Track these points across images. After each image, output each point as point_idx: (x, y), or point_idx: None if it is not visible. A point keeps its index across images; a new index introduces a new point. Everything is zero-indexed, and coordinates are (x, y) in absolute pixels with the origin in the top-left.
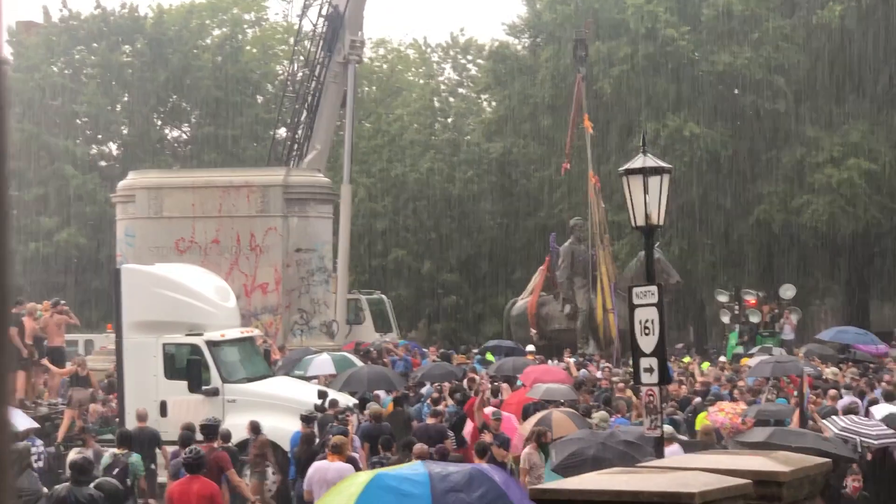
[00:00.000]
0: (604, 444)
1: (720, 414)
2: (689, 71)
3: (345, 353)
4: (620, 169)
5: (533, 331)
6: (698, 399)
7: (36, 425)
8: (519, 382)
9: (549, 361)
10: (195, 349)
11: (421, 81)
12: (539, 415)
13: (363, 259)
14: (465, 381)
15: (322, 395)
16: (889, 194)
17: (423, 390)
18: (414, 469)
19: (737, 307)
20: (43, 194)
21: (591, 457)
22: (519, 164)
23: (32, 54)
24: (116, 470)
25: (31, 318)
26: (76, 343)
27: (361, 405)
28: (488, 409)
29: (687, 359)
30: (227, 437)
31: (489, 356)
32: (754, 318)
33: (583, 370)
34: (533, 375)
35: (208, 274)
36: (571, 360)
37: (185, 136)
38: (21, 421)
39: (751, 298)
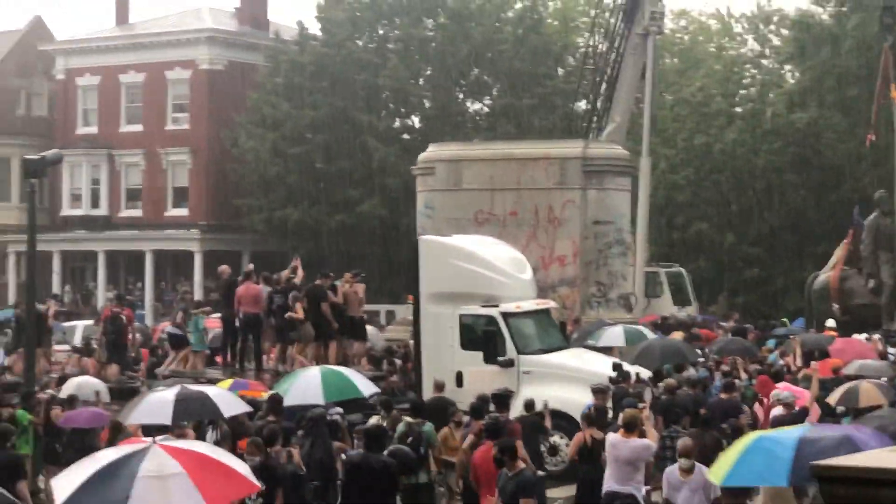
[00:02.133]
0: None
1: None
2: None
3: (637, 327)
4: None
5: (835, 305)
6: None
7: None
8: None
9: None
10: (491, 320)
11: (723, 53)
12: (845, 386)
13: (662, 232)
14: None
15: (617, 367)
16: None
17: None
18: (791, 432)
19: None
20: (348, 167)
21: (892, 434)
22: (823, 135)
23: (339, 30)
24: (410, 438)
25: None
26: (378, 314)
27: (655, 378)
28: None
29: None
30: (530, 406)
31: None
32: None
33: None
34: (846, 350)
35: (505, 246)
36: (876, 336)
37: (485, 110)
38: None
39: None
